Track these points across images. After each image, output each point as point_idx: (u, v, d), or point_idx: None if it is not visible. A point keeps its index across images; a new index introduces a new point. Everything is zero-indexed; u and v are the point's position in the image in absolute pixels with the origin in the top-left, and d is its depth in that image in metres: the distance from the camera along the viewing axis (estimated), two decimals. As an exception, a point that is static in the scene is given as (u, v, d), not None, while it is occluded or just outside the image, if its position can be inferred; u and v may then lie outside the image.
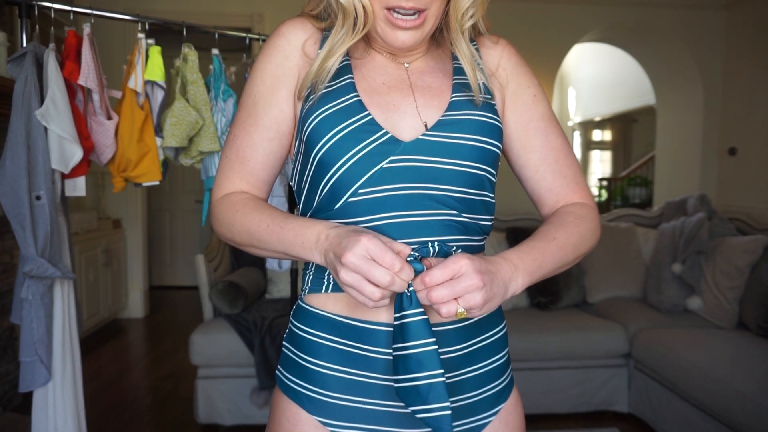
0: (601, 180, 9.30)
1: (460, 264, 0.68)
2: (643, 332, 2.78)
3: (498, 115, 0.83)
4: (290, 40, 0.84)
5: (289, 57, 0.84)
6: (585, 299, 3.18)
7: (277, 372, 0.86)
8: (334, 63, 0.80)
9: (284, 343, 0.86)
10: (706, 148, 4.56)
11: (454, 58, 0.86)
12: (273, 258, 0.83)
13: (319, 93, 0.80)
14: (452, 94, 0.82)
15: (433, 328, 0.76)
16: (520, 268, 0.75)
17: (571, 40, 4.57)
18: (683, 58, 4.60)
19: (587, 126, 10.56)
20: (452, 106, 0.81)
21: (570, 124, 9.72)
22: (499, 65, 0.88)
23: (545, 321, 2.90)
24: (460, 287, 0.67)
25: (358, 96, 0.79)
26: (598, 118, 9.60)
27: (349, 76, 0.81)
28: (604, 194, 8.75)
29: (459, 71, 0.85)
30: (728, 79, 4.47)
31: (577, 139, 10.57)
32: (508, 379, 0.87)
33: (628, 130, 10.59)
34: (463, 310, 0.68)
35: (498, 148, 0.82)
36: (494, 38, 0.90)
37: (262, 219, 0.79)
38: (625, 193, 8.17)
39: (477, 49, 0.88)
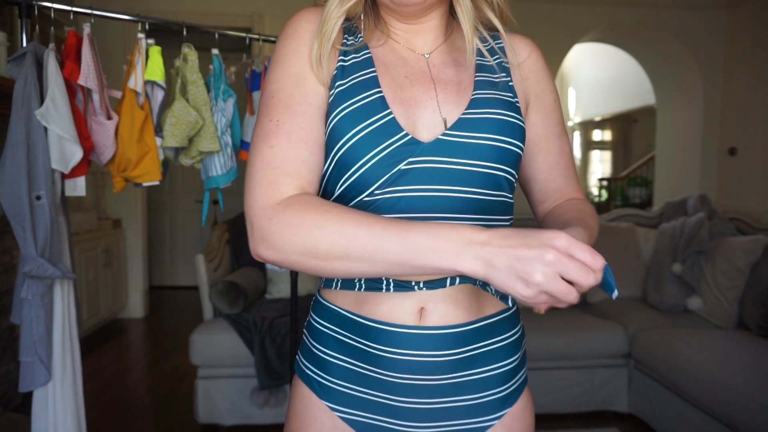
0: (601, 180, 9.28)
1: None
2: (643, 332, 2.77)
3: (521, 115, 0.82)
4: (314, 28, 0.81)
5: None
6: (585, 299, 3.18)
7: (296, 358, 0.89)
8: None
9: (303, 330, 0.89)
10: (706, 148, 4.56)
11: (479, 54, 0.84)
12: (370, 274, 0.67)
13: (339, 88, 0.77)
14: (474, 90, 0.80)
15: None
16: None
17: (571, 40, 4.57)
18: (683, 58, 4.60)
19: (587, 126, 10.56)
20: (474, 103, 0.79)
21: (570, 124, 9.72)
22: (523, 64, 0.88)
23: (545, 321, 2.90)
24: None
25: (381, 92, 0.77)
26: (598, 118, 9.60)
27: (372, 69, 0.79)
28: (604, 194, 8.75)
29: (482, 68, 0.83)
30: (728, 79, 4.47)
31: (577, 139, 10.57)
32: (517, 384, 0.85)
33: (628, 130, 10.59)
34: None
35: (520, 149, 0.80)
36: (520, 37, 0.90)
37: (370, 220, 0.66)
38: (625, 193, 8.16)
39: (502, 47, 0.87)
